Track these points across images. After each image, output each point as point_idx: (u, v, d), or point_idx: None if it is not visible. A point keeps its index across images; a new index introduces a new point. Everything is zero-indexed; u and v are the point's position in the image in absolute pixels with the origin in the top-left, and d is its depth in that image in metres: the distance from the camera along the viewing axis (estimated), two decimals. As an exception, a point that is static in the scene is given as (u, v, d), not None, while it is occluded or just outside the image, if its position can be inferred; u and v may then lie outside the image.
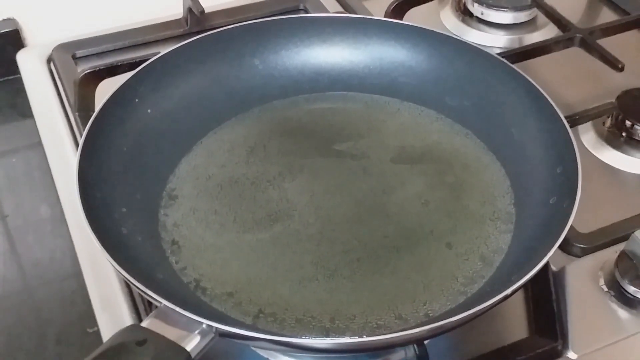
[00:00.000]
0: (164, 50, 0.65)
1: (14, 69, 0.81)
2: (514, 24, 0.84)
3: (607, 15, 0.86)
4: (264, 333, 0.46)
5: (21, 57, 0.81)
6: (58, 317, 0.62)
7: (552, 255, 0.47)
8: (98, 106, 0.59)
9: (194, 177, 0.61)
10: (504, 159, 0.62)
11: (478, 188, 0.60)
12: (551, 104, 0.59)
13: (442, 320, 0.44)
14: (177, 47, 0.65)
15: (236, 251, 0.56)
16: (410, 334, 0.45)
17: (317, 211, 0.59)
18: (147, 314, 0.54)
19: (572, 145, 0.55)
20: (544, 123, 0.59)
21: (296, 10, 0.84)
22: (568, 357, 0.52)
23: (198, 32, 0.70)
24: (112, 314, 0.55)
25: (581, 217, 0.51)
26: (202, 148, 0.63)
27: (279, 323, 0.51)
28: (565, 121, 0.57)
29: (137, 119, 0.61)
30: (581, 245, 0.58)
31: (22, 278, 0.67)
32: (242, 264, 0.55)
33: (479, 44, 0.66)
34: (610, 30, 0.79)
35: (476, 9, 0.84)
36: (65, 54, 0.78)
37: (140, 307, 0.56)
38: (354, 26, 0.68)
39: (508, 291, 0.46)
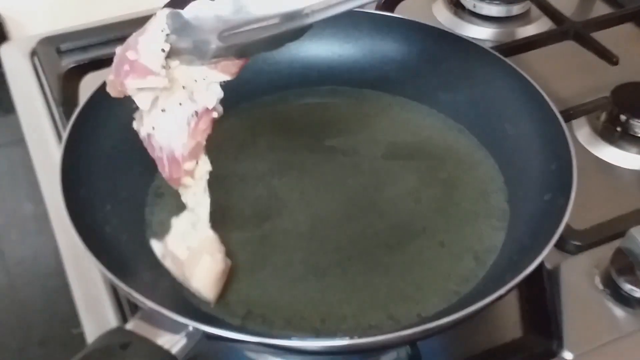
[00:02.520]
0: (150, 43, 0.64)
1: (-4, 63, 0.79)
2: (506, 17, 0.83)
3: (601, 8, 0.85)
4: (252, 335, 0.44)
5: (4, 51, 0.80)
6: (42, 317, 0.61)
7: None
8: (82, 101, 0.57)
9: (181, 174, 0.60)
10: (497, 155, 0.61)
11: (471, 185, 0.59)
12: (545, 99, 0.58)
13: (435, 321, 0.43)
14: (164, 41, 0.64)
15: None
16: (402, 335, 0.44)
17: (307, 209, 0.57)
18: (133, 314, 0.53)
19: (567, 141, 0.54)
20: (538, 118, 0.58)
21: (285, 3, 0.83)
22: (563, 357, 0.51)
23: (185, 25, 0.69)
24: (96, 315, 0.55)
25: (576, 214, 0.50)
26: (189, 144, 0.62)
27: (268, 324, 0.49)
28: (559, 116, 0.56)
29: (122, 114, 0.59)
30: (576, 243, 0.58)
31: (6, 276, 0.66)
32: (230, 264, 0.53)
33: (472, 38, 0.66)
34: (605, 23, 0.78)
35: (468, 2, 0.83)
36: (49, 48, 0.77)
37: (125, 307, 0.55)
38: (344, 20, 0.67)
39: (502, 291, 0.45)
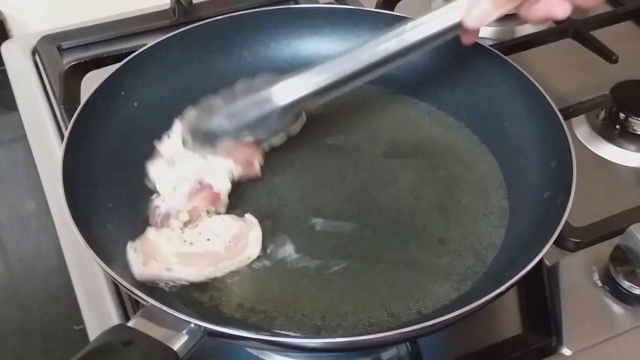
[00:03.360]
0: (151, 41, 0.64)
1: (-2, 60, 0.79)
2: (506, 14, 0.82)
3: (601, 6, 0.85)
4: (253, 332, 0.45)
5: (5, 49, 0.80)
6: (44, 314, 0.61)
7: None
8: (84, 99, 0.58)
9: (182, 171, 0.60)
10: (497, 153, 0.61)
11: (471, 182, 0.59)
12: (545, 97, 0.58)
13: (435, 318, 0.43)
14: (165, 39, 0.64)
15: (225, 247, 0.54)
16: (402, 333, 0.44)
17: (307, 207, 0.58)
18: (135, 311, 0.53)
19: (567, 139, 0.54)
20: (537, 116, 0.59)
21: (286, 0, 0.83)
22: (562, 354, 0.52)
23: (186, 23, 0.69)
24: (98, 311, 0.54)
25: (575, 211, 0.50)
26: (190, 142, 0.62)
27: (270, 321, 0.50)
28: (559, 114, 0.56)
29: (123, 112, 0.60)
30: (575, 240, 0.58)
31: (8, 273, 0.66)
32: (232, 261, 0.54)
33: (472, 36, 0.65)
34: (604, 21, 0.78)
35: (468, 0, 0.83)
36: (51, 46, 0.77)
37: (127, 303, 0.55)
38: (344, 17, 0.67)
39: (502, 288, 0.45)
